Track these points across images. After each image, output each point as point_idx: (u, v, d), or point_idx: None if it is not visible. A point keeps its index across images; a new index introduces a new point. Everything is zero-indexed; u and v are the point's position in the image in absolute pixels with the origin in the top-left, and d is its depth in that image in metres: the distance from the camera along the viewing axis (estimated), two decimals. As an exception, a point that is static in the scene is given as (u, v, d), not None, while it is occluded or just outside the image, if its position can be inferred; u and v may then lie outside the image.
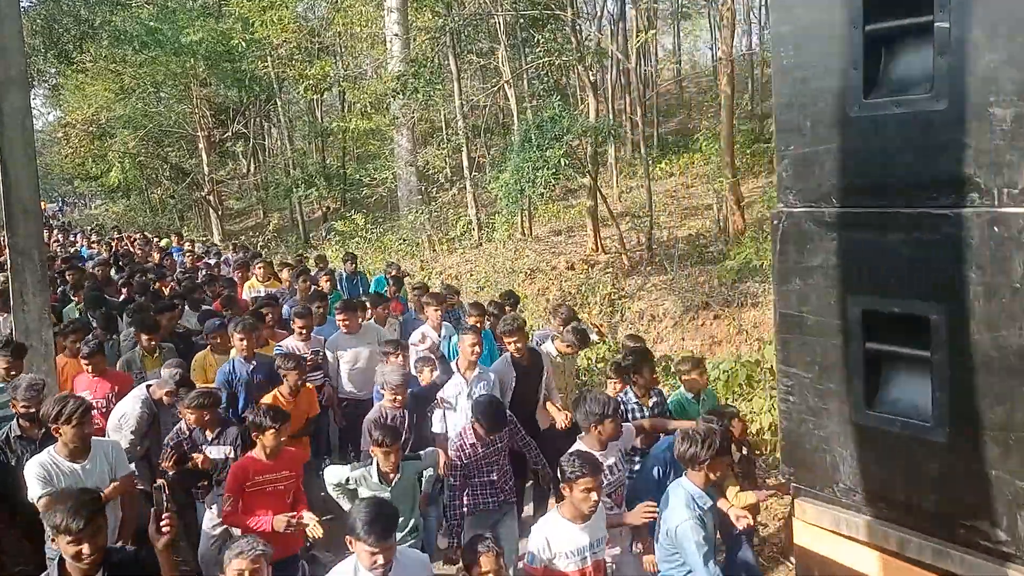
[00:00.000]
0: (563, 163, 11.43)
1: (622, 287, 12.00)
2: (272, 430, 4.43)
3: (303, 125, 25.38)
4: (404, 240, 17.57)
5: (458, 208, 18.60)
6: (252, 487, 4.48)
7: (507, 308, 7.83)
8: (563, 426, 5.69)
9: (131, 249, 16.60)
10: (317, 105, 24.83)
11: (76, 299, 9.09)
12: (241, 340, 6.19)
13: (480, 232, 16.35)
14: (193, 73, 21.46)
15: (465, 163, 16.99)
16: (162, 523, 3.13)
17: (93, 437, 4.41)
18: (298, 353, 6.32)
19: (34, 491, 4.08)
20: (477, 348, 5.75)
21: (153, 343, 6.59)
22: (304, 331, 6.87)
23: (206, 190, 23.91)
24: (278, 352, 6.30)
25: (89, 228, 25.83)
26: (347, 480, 4.61)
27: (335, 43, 23.34)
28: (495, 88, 18.49)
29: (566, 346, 6.34)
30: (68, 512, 2.99)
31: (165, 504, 3.20)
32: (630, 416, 5.26)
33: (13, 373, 5.39)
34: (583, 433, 4.56)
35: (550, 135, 11.33)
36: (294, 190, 21.76)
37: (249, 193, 28.68)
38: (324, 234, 21.41)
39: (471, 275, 14.11)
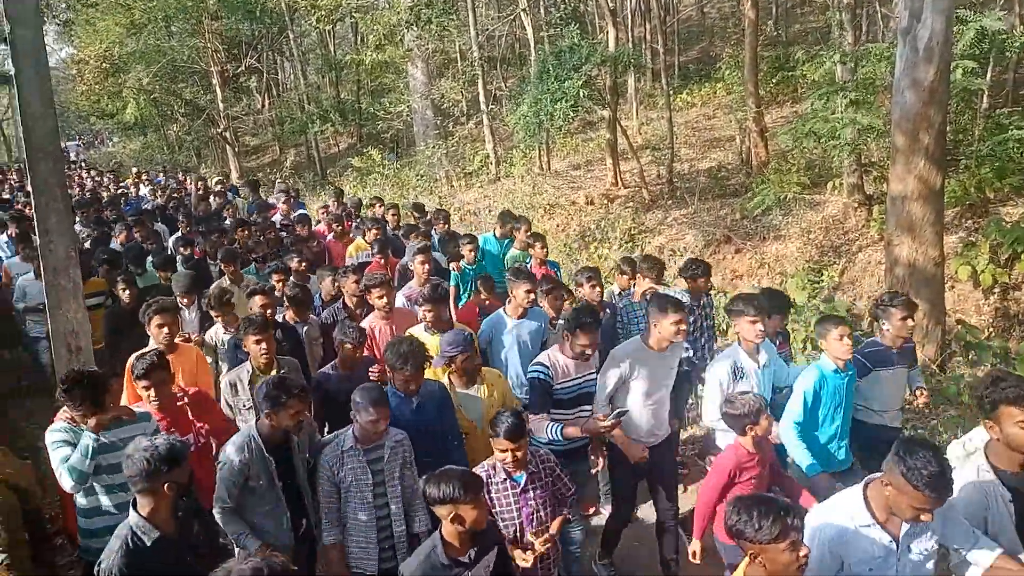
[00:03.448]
0: (582, 94, 11.16)
1: (642, 221, 11.91)
2: None
3: (316, 58, 24.95)
4: (422, 176, 17.45)
5: (475, 142, 18.38)
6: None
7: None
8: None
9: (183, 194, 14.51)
10: (330, 37, 24.35)
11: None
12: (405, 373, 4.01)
13: (498, 167, 16.18)
14: (204, 6, 21.07)
15: (482, 96, 16.69)
16: None
17: None
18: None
19: None
20: None
21: (269, 355, 4.61)
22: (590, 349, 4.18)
23: (222, 126, 23.74)
24: None
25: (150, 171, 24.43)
26: None
27: (346, -29, 22.76)
28: (511, 17, 18.00)
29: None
30: None
31: None
32: None
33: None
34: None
35: (568, 65, 11.07)
36: (309, 125, 21.55)
37: (265, 129, 28.47)
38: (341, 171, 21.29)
39: (489, 211, 14.03)
